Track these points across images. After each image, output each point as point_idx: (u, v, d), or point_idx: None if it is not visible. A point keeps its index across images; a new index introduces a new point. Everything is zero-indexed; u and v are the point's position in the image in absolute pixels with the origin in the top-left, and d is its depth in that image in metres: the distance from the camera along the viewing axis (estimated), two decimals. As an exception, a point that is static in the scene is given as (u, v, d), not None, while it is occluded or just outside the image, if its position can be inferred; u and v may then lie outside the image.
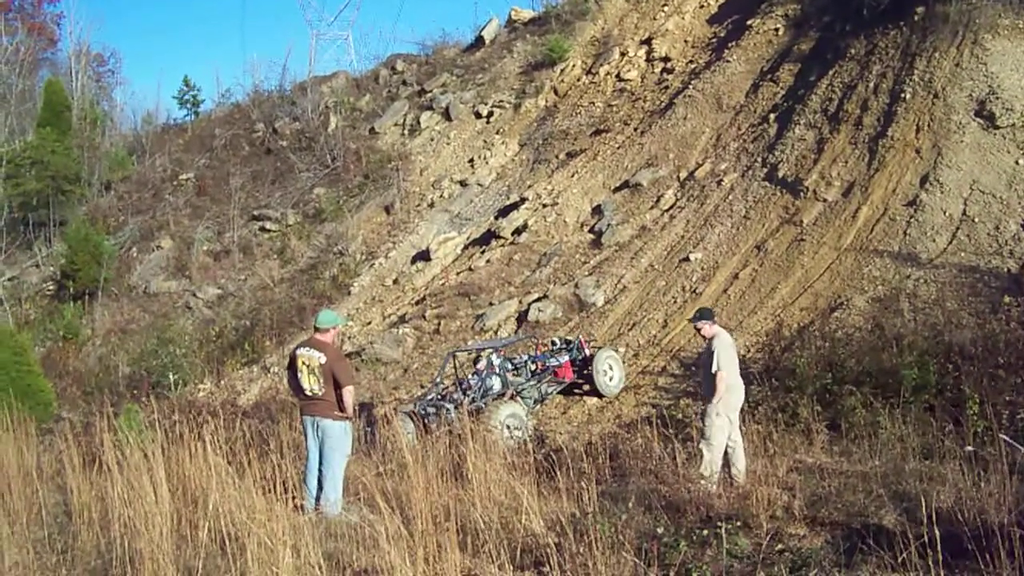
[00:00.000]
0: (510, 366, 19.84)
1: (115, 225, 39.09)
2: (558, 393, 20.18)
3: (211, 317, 31.84)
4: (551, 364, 19.95)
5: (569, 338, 21.17)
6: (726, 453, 11.86)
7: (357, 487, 11.09)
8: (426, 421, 17.71)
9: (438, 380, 19.73)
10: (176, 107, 53.85)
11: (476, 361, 20.31)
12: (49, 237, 38.82)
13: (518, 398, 18.90)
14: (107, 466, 9.87)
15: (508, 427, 17.09)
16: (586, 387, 20.09)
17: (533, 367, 20.03)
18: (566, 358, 20.01)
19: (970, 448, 10.88)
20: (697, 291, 22.12)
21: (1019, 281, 17.49)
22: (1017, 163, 20.65)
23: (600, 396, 19.68)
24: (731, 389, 11.85)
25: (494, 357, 19.44)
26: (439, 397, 18.90)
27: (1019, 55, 22.57)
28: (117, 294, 34.68)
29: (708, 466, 11.48)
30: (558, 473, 10.27)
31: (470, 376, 19.61)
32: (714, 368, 11.72)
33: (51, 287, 35.94)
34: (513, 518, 9.16)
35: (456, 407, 17.71)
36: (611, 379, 19.57)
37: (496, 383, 19.04)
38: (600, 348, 20.62)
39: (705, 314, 12.48)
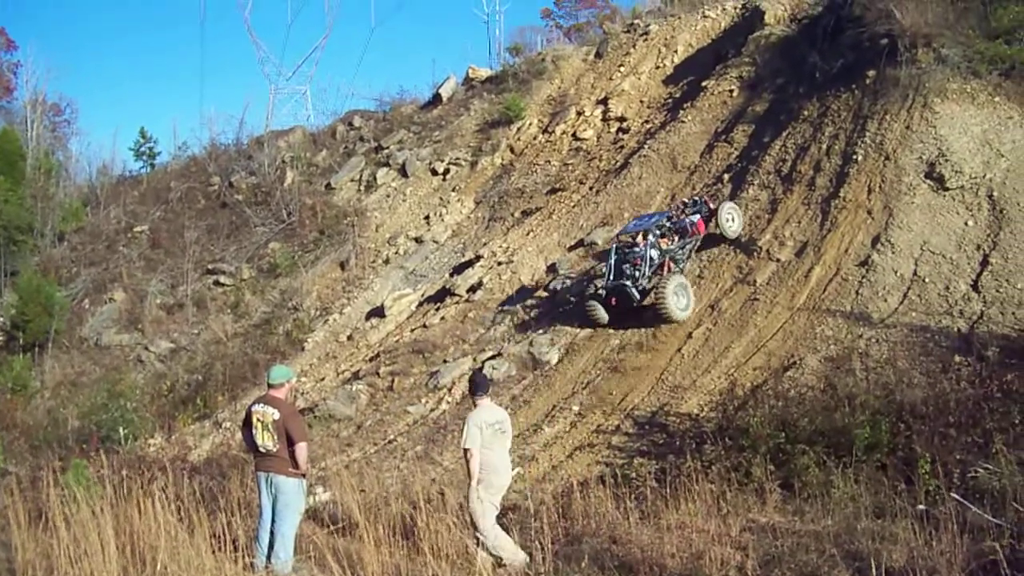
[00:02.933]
0: (660, 234, 23.89)
1: (67, 276, 38.69)
2: (697, 249, 24.66)
3: (163, 371, 31.51)
4: (688, 224, 24.30)
5: (696, 198, 25.91)
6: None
7: (308, 546, 10.94)
8: (613, 301, 22.90)
9: (610, 264, 23.69)
10: (132, 159, 53.32)
11: (636, 235, 23.83)
12: (0, 287, 38.35)
13: (671, 263, 23.61)
14: (53, 522, 9.68)
15: (676, 295, 22.25)
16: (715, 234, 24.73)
17: (676, 230, 24.34)
18: (697, 216, 24.52)
19: (922, 507, 10.94)
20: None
21: (969, 341, 17.66)
22: (966, 224, 20.97)
23: (726, 241, 24.42)
24: (488, 470, 11.01)
25: (650, 236, 23.38)
26: (618, 275, 23.17)
27: (967, 119, 23.00)
28: (68, 346, 34.24)
29: (497, 550, 10.71)
30: (512, 532, 10.21)
31: (633, 250, 23.47)
32: (462, 444, 11.08)
33: (0, 338, 35.41)
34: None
35: (634, 283, 22.68)
36: (732, 226, 24.39)
37: (655, 253, 23.30)
38: (722, 202, 25.13)
39: (471, 386, 11.80)
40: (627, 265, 23.27)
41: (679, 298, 22.31)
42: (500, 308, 26.92)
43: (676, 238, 24.16)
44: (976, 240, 20.55)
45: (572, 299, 25.48)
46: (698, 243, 24.56)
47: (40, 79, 69.90)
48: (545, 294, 26.65)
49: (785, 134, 26.62)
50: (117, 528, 9.53)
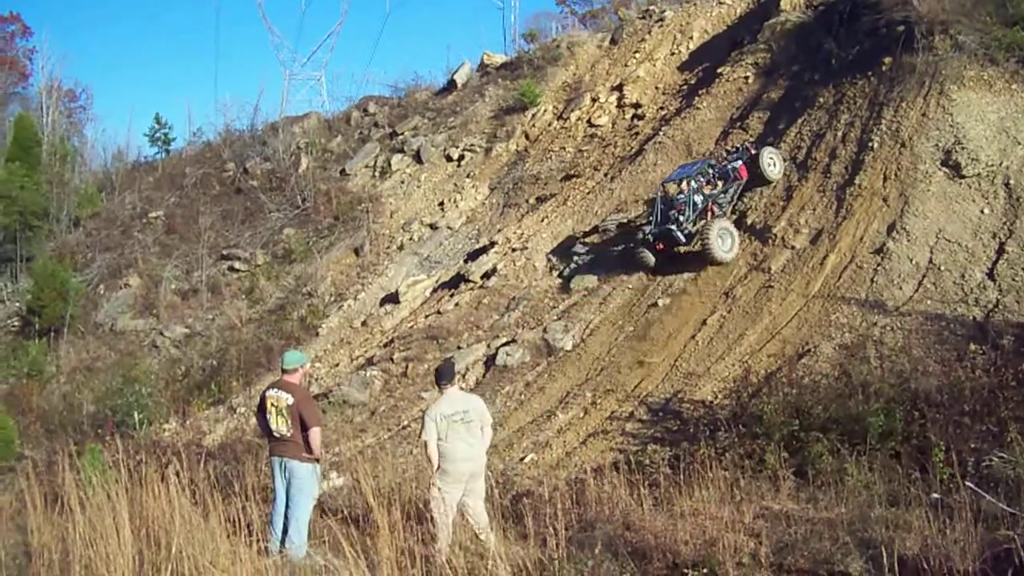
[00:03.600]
0: (703, 180, 25.15)
1: (83, 262, 38.74)
2: (739, 194, 25.48)
3: (178, 356, 31.55)
4: (730, 169, 25.25)
5: (738, 145, 26.91)
6: (469, 524, 11.27)
7: (322, 531, 10.97)
8: (660, 246, 24.16)
9: (656, 210, 25.05)
10: (147, 145, 53.39)
11: (681, 182, 25.21)
12: (15, 273, 38.47)
13: (714, 207, 24.70)
14: (69, 506, 9.72)
15: (720, 238, 23.31)
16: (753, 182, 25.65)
17: (720, 176, 25.40)
18: (740, 162, 25.29)
19: (936, 495, 10.92)
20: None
21: (984, 329, 17.58)
22: (982, 212, 20.87)
23: (767, 183, 25.30)
24: (446, 459, 11.06)
25: (693, 183, 24.66)
26: (664, 221, 24.46)
27: (984, 106, 22.86)
28: (83, 332, 34.31)
29: (438, 535, 10.77)
30: (525, 518, 10.22)
31: (678, 196, 24.94)
32: (421, 436, 11.28)
33: (16, 323, 35.47)
34: (479, 563, 9.09)
35: (679, 228, 23.83)
36: (774, 170, 25.26)
37: (698, 199, 24.52)
38: (763, 147, 25.86)
39: (435, 375, 11.95)
40: (672, 211, 24.58)
41: (723, 241, 23.40)
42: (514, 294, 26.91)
43: (719, 184, 25.29)
44: (992, 228, 20.45)
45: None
46: (741, 187, 25.42)
47: (55, 65, 70.22)
48: (560, 280, 26.63)
49: (800, 121, 26.53)
50: (132, 512, 9.55)
